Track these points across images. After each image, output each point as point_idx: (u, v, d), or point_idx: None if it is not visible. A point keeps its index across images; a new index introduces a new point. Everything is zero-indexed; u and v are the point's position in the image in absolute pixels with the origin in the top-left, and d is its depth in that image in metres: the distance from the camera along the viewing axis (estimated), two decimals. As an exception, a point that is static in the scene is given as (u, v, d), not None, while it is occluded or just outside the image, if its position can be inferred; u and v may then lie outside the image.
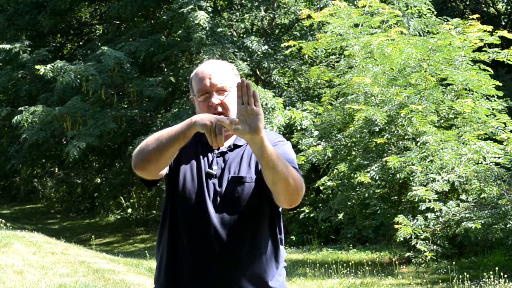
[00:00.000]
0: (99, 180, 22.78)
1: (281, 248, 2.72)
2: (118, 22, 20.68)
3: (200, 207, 2.60)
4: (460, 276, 8.77)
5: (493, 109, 11.38)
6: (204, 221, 2.59)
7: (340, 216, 13.13)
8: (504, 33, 11.55)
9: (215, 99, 2.65)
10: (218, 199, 2.60)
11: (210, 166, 2.64)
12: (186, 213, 2.62)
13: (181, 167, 2.66)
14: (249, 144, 2.40)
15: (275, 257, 2.67)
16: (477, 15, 12.71)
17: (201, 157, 2.67)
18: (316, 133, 12.65)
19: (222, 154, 2.67)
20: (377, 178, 10.78)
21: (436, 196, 10.10)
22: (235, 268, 2.58)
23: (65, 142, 18.51)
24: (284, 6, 17.19)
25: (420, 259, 10.54)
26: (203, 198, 2.60)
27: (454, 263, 9.76)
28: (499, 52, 11.66)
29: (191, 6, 15.40)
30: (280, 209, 2.72)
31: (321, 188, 12.39)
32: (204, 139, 2.65)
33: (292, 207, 2.55)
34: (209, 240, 2.58)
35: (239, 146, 2.69)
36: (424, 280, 9.48)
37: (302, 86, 16.70)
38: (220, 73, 2.69)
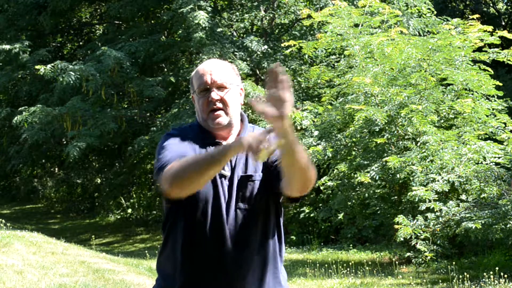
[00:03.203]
0: (99, 180, 22.77)
1: (283, 243, 2.76)
2: (118, 22, 20.68)
3: (216, 209, 2.61)
4: (460, 276, 8.77)
5: (493, 109, 11.37)
6: (219, 223, 2.61)
7: (340, 216, 13.13)
8: (504, 33, 11.55)
9: (215, 94, 2.67)
10: (231, 199, 2.62)
11: (223, 168, 2.64)
12: (202, 216, 2.62)
13: None
14: (276, 132, 2.34)
15: (279, 252, 2.71)
16: (477, 15, 12.73)
17: None
18: (316, 133, 12.65)
19: None
20: (377, 178, 10.78)
21: (436, 196, 10.10)
22: (249, 265, 2.61)
23: (65, 142, 18.51)
24: (284, 6, 17.18)
25: (420, 259, 10.54)
26: (218, 200, 2.61)
27: (454, 263, 9.76)
28: (499, 52, 11.66)
29: (191, 6, 15.40)
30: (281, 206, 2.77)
31: (321, 188, 12.39)
32: (211, 140, 2.68)
33: (302, 194, 2.54)
34: (224, 240, 2.60)
35: None
36: (424, 280, 9.48)
37: (302, 86, 16.70)
38: (220, 70, 2.71)
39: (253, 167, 2.65)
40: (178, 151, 2.59)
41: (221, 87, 2.68)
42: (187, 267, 2.64)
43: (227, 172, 2.64)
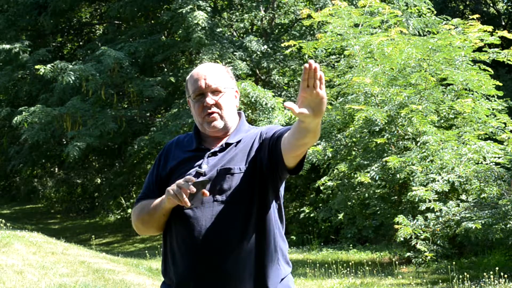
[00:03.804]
0: (99, 180, 22.78)
1: (277, 239, 2.72)
2: (118, 22, 20.68)
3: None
4: (460, 276, 8.77)
5: (493, 109, 11.37)
6: (194, 216, 2.64)
7: (340, 216, 13.12)
8: (504, 33, 11.54)
9: (210, 99, 2.72)
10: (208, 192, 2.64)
11: (200, 166, 2.70)
12: (180, 211, 2.67)
13: (171, 179, 2.72)
14: (302, 126, 2.38)
15: (268, 248, 2.66)
16: (477, 15, 12.71)
17: (190, 162, 2.74)
18: (316, 133, 12.62)
19: (214, 153, 2.73)
20: (377, 178, 10.78)
21: (436, 196, 10.09)
22: (228, 258, 2.61)
23: (65, 142, 18.51)
24: (284, 6, 17.18)
25: (420, 259, 10.53)
26: None
27: (454, 263, 9.75)
28: (499, 52, 11.65)
29: (190, 6, 15.40)
30: (281, 202, 2.74)
31: (321, 188, 12.38)
32: (193, 145, 2.78)
33: (301, 157, 2.56)
34: (202, 232, 2.62)
35: (231, 144, 2.74)
36: (424, 280, 9.48)
37: (302, 86, 16.67)
38: (214, 74, 2.75)
39: (236, 161, 2.67)
40: (148, 184, 2.83)
41: (215, 91, 2.73)
42: (175, 265, 2.69)
43: (203, 169, 2.68)
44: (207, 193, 2.57)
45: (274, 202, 2.71)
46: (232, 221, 2.63)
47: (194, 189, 2.52)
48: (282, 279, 2.72)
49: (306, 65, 2.25)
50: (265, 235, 2.66)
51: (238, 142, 2.73)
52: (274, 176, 2.65)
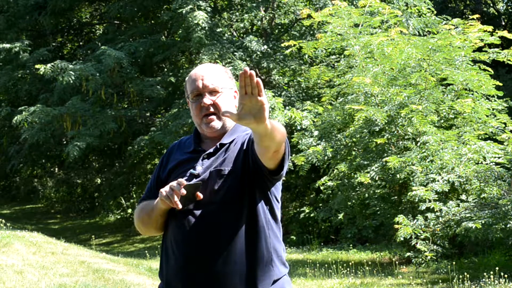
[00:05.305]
0: (99, 180, 22.77)
1: (275, 244, 2.71)
2: (118, 22, 20.68)
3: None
4: (460, 276, 8.77)
5: (493, 109, 11.37)
6: (186, 217, 2.65)
7: (340, 216, 13.13)
8: (504, 33, 11.54)
9: (207, 99, 2.72)
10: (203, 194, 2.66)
11: (194, 168, 2.71)
12: (174, 212, 2.69)
13: (169, 180, 2.74)
14: (252, 131, 2.42)
15: (260, 250, 2.65)
16: (477, 15, 12.71)
17: (187, 163, 2.76)
18: (316, 133, 12.65)
19: (209, 155, 2.74)
20: (377, 178, 10.78)
21: (436, 196, 10.10)
22: (216, 257, 2.61)
23: (65, 142, 18.51)
24: (284, 6, 17.17)
25: (420, 259, 10.54)
26: None
27: (454, 263, 9.76)
28: (499, 52, 11.65)
29: (190, 6, 15.40)
30: (273, 202, 2.73)
31: (321, 188, 12.38)
32: (191, 146, 2.80)
33: (279, 157, 2.54)
34: (191, 233, 2.64)
35: (225, 145, 2.74)
36: (424, 280, 9.48)
37: (302, 86, 16.69)
38: (212, 75, 2.75)
39: (227, 163, 2.68)
40: (150, 186, 2.88)
41: (213, 92, 2.73)
42: (168, 264, 2.71)
43: (197, 171, 2.69)
44: (201, 195, 2.60)
45: (265, 202, 2.69)
46: (222, 222, 2.63)
47: (185, 192, 2.55)
48: (276, 280, 2.70)
49: (242, 71, 2.24)
50: (256, 236, 2.65)
51: (231, 142, 2.73)
52: (261, 177, 2.64)
